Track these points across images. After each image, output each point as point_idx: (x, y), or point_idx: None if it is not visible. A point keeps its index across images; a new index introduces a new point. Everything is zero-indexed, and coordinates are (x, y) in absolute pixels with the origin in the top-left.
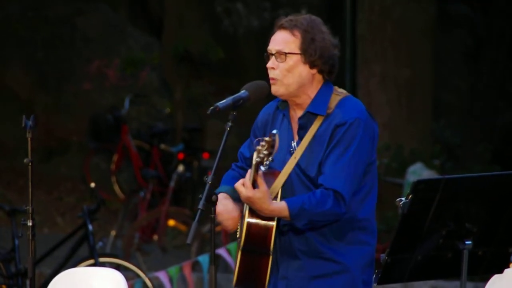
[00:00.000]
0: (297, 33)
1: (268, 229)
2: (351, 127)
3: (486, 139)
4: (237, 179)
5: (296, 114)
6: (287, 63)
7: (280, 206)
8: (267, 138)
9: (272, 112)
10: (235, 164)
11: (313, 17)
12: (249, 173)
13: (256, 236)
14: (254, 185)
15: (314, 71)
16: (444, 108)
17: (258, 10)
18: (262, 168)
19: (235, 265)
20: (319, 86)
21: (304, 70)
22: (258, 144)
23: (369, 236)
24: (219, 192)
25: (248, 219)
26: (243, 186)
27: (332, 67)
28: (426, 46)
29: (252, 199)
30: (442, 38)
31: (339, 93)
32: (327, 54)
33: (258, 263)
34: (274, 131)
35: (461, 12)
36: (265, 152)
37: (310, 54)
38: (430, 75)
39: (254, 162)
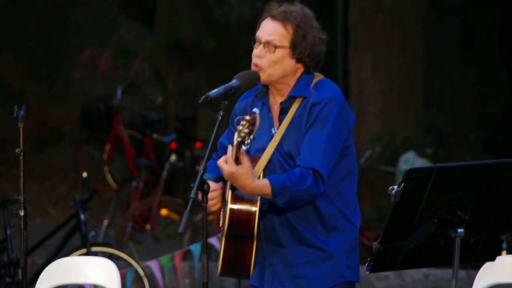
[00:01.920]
0: (289, 28)
1: (251, 213)
2: (326, 106)
3: (478, 128)
4: (213, 170)
5: (276, 101)
6: (275, 55)
7: (263, 183)
8: (247, 117)
9: (250, 101)
10: (215, 153)
11: (306, 10)
12: (231, 150)
13: (239, 221)
14: (237, 162)
15: (300, 65)
16: (436, 97)
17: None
18: (244, 147)
19: (219, 253)
20: (298, 75)
21: (290, 63)
22: (239, 124)
23: (351, 220)
24: (205, 177)
25: (230, 205)
26: (225, 163)
27: (318, 63)
28: (417, 34)
29: (235, 175)
30: (433, 27)
31: (317, 76)
32: (316, 51)
33: (242, 249)
34: (255, 109)
35: (453, 2)
36: (246, 130)
37: (300, 51)
38: (422, 63)
39: (235, 142)
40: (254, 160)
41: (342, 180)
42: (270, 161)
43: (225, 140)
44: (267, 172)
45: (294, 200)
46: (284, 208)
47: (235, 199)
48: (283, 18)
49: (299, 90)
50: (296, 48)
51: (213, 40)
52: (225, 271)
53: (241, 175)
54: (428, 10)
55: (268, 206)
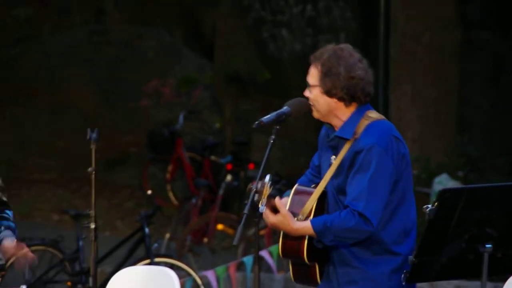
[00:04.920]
0: (318, 66)
1: (300, 245)
2: (368, 153)
3: (506, 152)
4: (306, 183)
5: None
6: (313, 94)
7: (304, 225)
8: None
9: (326, 130)
10: (308, 171)
11: (341, 46)
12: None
13: (290, 252)
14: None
15: (334, 99)
16: (467, 125)
17: (301, 36)
18: (261, 207)
19: (289, 266)
20: (352, 110)
21: (326, 100)
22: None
23: (392, 250)
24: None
25: (282, 238)
26: (266, 215)
27: (352, 95)
28: (452, 68)
29: (276, 224)
30: (466, 61)
31: (368, 118)
32: (342, 84)
33: (306, 270)
34: (268, 176)
35: (483, 37)
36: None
37: (325, 85)
38: (455, 94)
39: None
40: (308, 194)
41: (392, 214)
42: (326, 191)
43: (316, 159)
44: (320, 206)
45: (341, 238)
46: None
47: (285, 236)
48: (314, 59)
49: (344, 131)
50: (322, 83)
51: (266, 72)
52: (297, 281)
53: (281, 223)
54: (461, 47)
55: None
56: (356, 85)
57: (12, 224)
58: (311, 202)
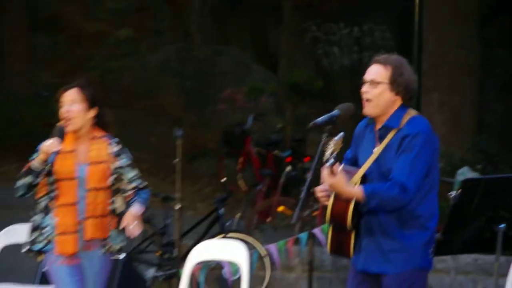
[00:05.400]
0: (389, 67)
1: (346, 207)
2: (413, 138)
3: None
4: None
5: (377, 127)
6: (378, 89)
7: (356, 189)
8: (336, 138)
9: (363, 127)
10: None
11: (402, 57)
12: (327, 168)
13: (337, 213)
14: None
15: (397, 97)
16: (485, 126)
17: (348, 52)
18: (330, 161)
19: (327, 238)
20: (398, 106)
21: (388, 96)
22: (330, 142)
23: (425, 225)
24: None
25: (332, 201)
26: (325, 177)
27: (411, 96)
28: (472, 80)
29: (333, 184)
30: (484, 73)
31: (409, 113)
32: (410, 86)
33: (343, 237)
34: (342, 134)
35: (500, 55)
36: (331, 147)
37: (398, 84)
38: (475, 101)
39: (325, 156)
40: (352, 172)
41: (426, 195)
42: (367, 174)
43: (349, 153)
44: (363, 182)
45: (383, 204)
46: (377, 211)
47: (335, 200)
48: (384, 61)
49: (392, 122)
50: (394, 82)
51: (320, 82)
52: (333, 251)
53: (337, 184)
54: (480, 61)
55: (367, 208)
56: (411, 86)
57: (143, 199)
58: (357, 177)
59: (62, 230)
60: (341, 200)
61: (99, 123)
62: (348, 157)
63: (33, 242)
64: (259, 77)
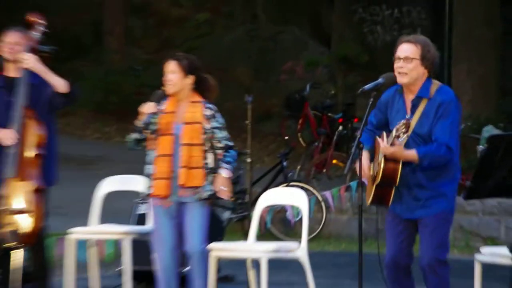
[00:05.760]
0: (419, 46)
1: (396, 167)
2: (449, 105)
3: None
4: (370, 138)
5: (408, 97)
6: (412, 64)
7: (412, 153)
8: (403, 121)
9: (391, 95)
10: (366, 127)
11: (426, 38)
12: (388, 138)
13: (388, 173)
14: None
15: (425, 71)
16: (507, 91)
17: (390, 31)
18: (399, 139)
19: (370, 193)
20: (424, 79)
21: (420, 70)
22: (399, 124)
23: (455, 175)
24: (363, 147)
25: (384, 164)
26: (387, 148)
27: (433, 67)
28: (495, 51)
29: (394, 153)
30: (505, 46)
31: (435, 84)
32: (435, 61)
33: (386, 191)
34: (408, 117)
35: None
36: (402, 129)
37: (428, 60)
38: (498, 69)
39: (394, 134)
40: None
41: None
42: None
43: (373, 118)
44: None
45: (433, 162)
46: (415, 169)
47: (386, 163)
48: (415, 40)
49: (423, 92)
50: (424, 58)
51: (366, 55)
52: (373, 203)
53: (397, 152)
54: (502, 35)
55: (421, 167)
56: (436, 61)
57: (230, 159)
58: (402, 142)
59: (159, 176)
60: (390, 163)
61: (198, 88)
62: (374, 122)
63: (147, 188)
64: (315, 52)
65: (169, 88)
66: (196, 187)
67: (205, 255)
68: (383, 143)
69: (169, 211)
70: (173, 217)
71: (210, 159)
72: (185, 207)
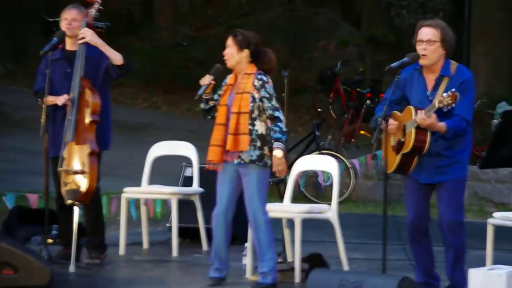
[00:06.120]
0: (439, 30)
1: (425, 136)
2: (470, 82)
3: None
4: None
5: (429, 76)
6: (434, 46)
7: (442, 124)
8: (450, 93)
9: (410, 73)
10: (381, 103)
11: (443, 22)
12: (425, 110)
13: (419, 141)
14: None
15: (445, 52)
16: None
17: (414, 14)
18: (443, 109)
19: (394, 163)
20: (443, 60)
21: (440, 51)
22: (443, 96)
23: (469, 143)
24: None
25: (414, 135)
26: (425, 119)
27: (451, 49)
28: (508, 35)
29: (431, 124)
30: None
31: (453, 64)
32: (453, 43)
33: (409, 159)
34: (454, 90)
35: None
36: (448, 100)
37: (447, 42)
38: (511, 52)
39: (436, 106)
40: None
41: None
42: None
43: (387, 94)
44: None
45: (456, 134)
46: (435, 139)
47: (417, 132)
48: (435, 25)
49: (445, 71)
50: (444, 41)
51: (392, 36)
52: (395, 171)
53: (433, 123)
54: None
55: (446, 136)
56: (453, 43)
57: (279, 136)
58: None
59: (213, 143)
60: (421, 133)
61: (255, 61)
62: (393, 99)
63: None
64: (346, 32)
65: (227, 62)
66: (241, 151)
67: (262, 222)
68: (421, 115)
69: (227, 174)
70: (232, 180)
71: (259, 126)
72: (241, 172)
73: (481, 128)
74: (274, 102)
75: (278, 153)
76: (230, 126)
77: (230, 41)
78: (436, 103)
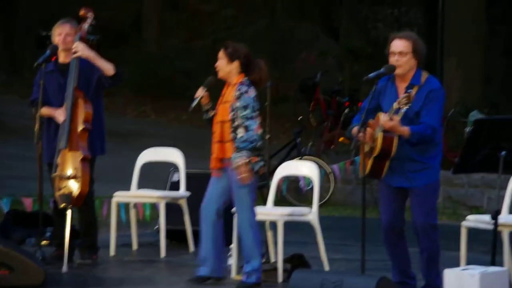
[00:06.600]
0: (410, 41)
1: (392, 140)
2: (437, 92)
3: None
4: (359, 121)
5: (400, 85)
6: (406, 57)
7: (406, 128)
8: (406, 94)
9: (384, 83)
10: (359, 112)
11: (414, 33)
12: (388, 113)
13: (386, 143)
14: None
15: (416, 62)
16: (490, 81)
17: (390, 27)
18: (401, 111)
19: (365, 167)
20: (415, 70)
21: (412, 62)
22: (401, 97)
23: (440, 149)
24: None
25: (381, 138)
26: (387, 121)
27: (422, 59)
28: (480, 47)
29: (393, 126)
30: (489, 41)
31: (424, 74)
32: (423, 54)
33: (381, 164)
34: (410, 91)
35: (501, 29)
36: (405, 101)
37: (418, 53)
38: (483, 62)
39: (394, 107)
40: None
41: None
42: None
43: (365, 104)
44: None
45: (421, 139)
46: (407, 143)
47: (384, 136)
48: (406, 37)
49: (415, 80)
50: (415, 52)
51: (370, 47)
52: (368, 175)
53: (396, 125)
54: (486, 35)
55: (410, 141)
56: (424, 53)
57: (243, 145)
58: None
59: (212, 152)
60: (388, 136)
61: (245, 71)
62: (369, 107)
63: None
64: (325, 44)
65: (218, 73)
66: (227, 159)
67: (248, 223)
68: (384, 117)
69: (221, 178)
70: (221, 181)
71: (241, 134)
72: (230, 177)
73: (454, 135)
74: (248, 111)
75: (236, 162)
76: (215, 135)
77: (221, 53)
78: (395, 104)
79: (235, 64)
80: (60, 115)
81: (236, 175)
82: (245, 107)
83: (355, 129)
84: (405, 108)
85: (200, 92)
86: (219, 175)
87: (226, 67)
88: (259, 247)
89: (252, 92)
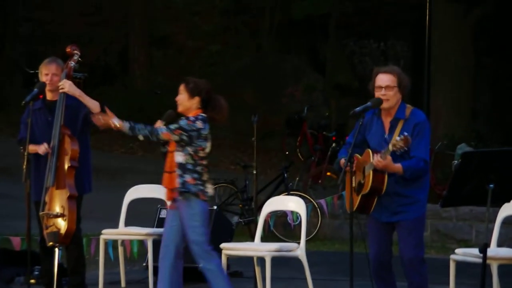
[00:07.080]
0: (396, 75)
1: (383, 178)
2: (423, 125)
3: (501, 130)
4: (346, 154)
5: (386, 119)
6: (392, 91)
7: (398, 165)
8: (402, 137)
9: (370, 117)
10: (344, 146)
11: (398, 67)
12: (381, 153)
13: (376, 182)
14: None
15: (400, 95)
16: (478, 114)
17: (377, 61)
18: (384, 153)
19: (354, 202)
20: (399, 103)
21: (398, 95)
22: (396, 140)
23: (427, 182)
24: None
25: (373, 174)
26: (380, 161)
27: (405, 93)
28: (468, 79)
29: (386, 164)
30: (477, 74)
31: (408, 107)
32: (408, 87)
33: (370, 200)
34: (406, 134)
35: (487, 61)
36: (401, 144)
37: (403, 87)
38: (470, 95)
39: (390, 148)
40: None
41: None
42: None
43: (351, 138)
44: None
45: (413, 174)
46: (394, 179)
47: (374, 174)
48: (391, 71)
49: (400, 114)
50: (400, 86)
51: (356, 82)
52: (356, 210)
53: (388, 164)
54: (474, 67)
55: (404, 177)
56: (408, 86)
57: (134, 125)
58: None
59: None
60: (379, 174)
61: (206, 108)
62: (355, 142)
63: None
64: (312, 78)
65: (178, 107)
66: (175, 188)
67: (205, 253)
68: (376, 157)
69: (175, 215)
70: (177, 217)
71: (178, 156)
72: (180, 208)
73: (442, 168)
74: (175, 125)
75: (115, 120)
76: (165, 166)
77: (182, 88)
78: (390, 146)
79: (196, 100)
80: (40, 148)
81: (184, 207)
82: (173, 128)
83: (342, 161)
84: (400, 151)
85: (159, 125)
86: (174, 207)
87: (186, 102)
88: (223, 275)
89: (191, 122)
